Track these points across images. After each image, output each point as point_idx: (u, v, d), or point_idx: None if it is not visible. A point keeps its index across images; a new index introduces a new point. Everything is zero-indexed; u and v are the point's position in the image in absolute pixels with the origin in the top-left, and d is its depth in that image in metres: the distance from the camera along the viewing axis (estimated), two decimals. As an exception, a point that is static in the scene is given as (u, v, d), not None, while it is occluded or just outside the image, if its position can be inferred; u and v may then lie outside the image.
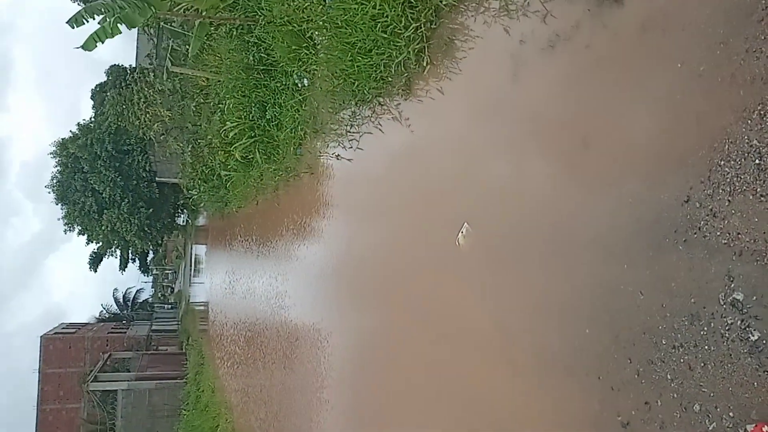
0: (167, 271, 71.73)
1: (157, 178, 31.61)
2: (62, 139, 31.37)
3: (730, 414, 2.41)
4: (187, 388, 28.05)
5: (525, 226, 4.08)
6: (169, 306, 58.05)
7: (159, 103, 23.53)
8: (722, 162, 2.52)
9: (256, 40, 11.03)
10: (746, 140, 2.42)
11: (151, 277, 64.96)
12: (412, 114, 5.86)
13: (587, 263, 3.39)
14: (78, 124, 31.50)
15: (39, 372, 41.11)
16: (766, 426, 2.24)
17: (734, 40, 2.50)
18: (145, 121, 24.84)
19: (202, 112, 19.50)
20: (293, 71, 9.62)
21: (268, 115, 11.25)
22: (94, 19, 9.65)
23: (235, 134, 12.56)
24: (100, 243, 34.43)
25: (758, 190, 2.36)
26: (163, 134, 25.47)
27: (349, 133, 7.42)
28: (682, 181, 2.73)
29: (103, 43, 9.35)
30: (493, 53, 4.57)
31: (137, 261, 44.77)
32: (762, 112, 2.36)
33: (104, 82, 31.51)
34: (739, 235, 2.42)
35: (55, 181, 31.72)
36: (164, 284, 71.98)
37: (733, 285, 2.44)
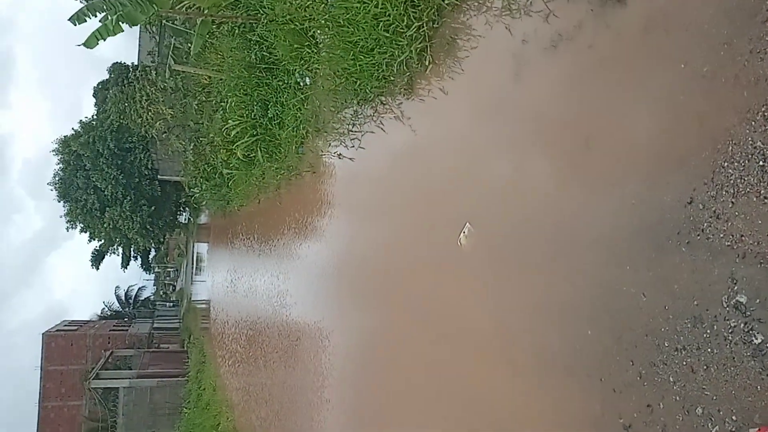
0: (169, 269, 71.80)
1: (159, 176, 31.61)
2: (64, 136, 31.40)
3: (733, 417, 2.40)
4: (188, 386, 28.06)
5: (527, 227, 4.06)
6: (171, 304, 58.09)
7: (161, 101, 23.52)
8: (725, 164, 2.50)
9: (259, 39, 11.02)
10: (750, 142, 2.40)
11: (153, 275, 65.02)
12: (414, 113, 5.84)
13: (589, 264, 3.38)
14: (80, 122, 31.55)
15: (41, 369, 41.21)
16: None
17: (738, 41, 2.48)
18: (147, 119, 24.83)
19: (205, 111, 19.49)
20: (295, 70, 9.60)
21: (270, 113, 11.24)
22: (96, 16, 9.64)
23: (237, 133, 12.54)
24: (102, 240, 34.48)
25: (762, 192, 2.34)
26: (166, 132, 25.47)
27: (351, 132, 7.41)
28: (685, 183, 2.71)
29: (104, 40, 9.35)
30: (496, 53, 4.55)
31: (139, 259, 44.83)
32: (766, 114, 2.34)
33: (107, 79, 31.51)
34: (743, 238, 2.41)
35: (57, 179, 31.77)
36: (166, 282, 72.05)
37: (736, 287, 2.42)
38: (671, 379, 2.73)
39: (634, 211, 3.03)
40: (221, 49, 13.70)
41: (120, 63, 30.84)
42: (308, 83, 9.38)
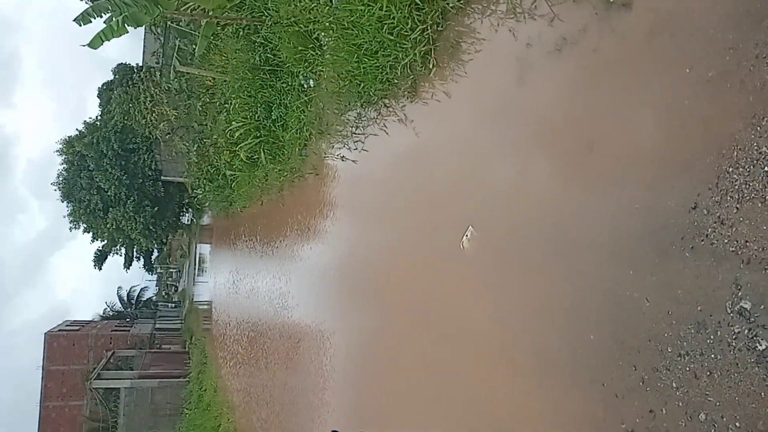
0: (171, 270, 71.90)
1: (162, 177, 31.68)
2: (69, 137, 31.53)
3: (737, 424, 2.38)
4: (189, 387, 28.07)
5: (529, 230, 4.05)
6: (173, 305, 58.14)
7: (165, 103, 23.59)
8: (730, 169, 2.49)
9: (263, 41, 11.04)
10: (755, 147, 2.39)
11: (156, 276, 65.11)
12: (418, 116, 5.84)
13: (592, 268, 3.37)
14: (84, 122, 31.67)
15: (42, 369, 41.25)
16: None
17: (744, 46, 2.47)
18: (151, 120, 24.91)
19: (208, 112, 19.53)
20: (299, 72, 9.61)
21: (273, 115, 11.26)
22: (101, 17, 9.68)
23: (241, 134, 12.57)
24: (105, 241, 34.56)
25: (767, 197, 2.33)
26: (169, 133, 25.54)
27: (354, 135, 7.41)
28: (690, 188, 2.70)
29: (109, 41, 9.37)
30: (500, 56, 4.55)
31: (142, 259, 44.96)
32: (772, 119, 2.33)
33: (111, 80, 31.62)
34: (747, 243, 2.40)
35: (61, 179, 31.86)
36: (168, 283, 72.14)
37: (740, 293, 2.41)
38: (674, 384, 2.71)
39: (638, 216, 3.02)
40: (225, 50, 13.74)
41: (125, 64, 30.96)
42: (312, 85, 9.40)
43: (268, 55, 11.01)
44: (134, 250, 39.16)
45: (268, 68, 11.18)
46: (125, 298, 55.18)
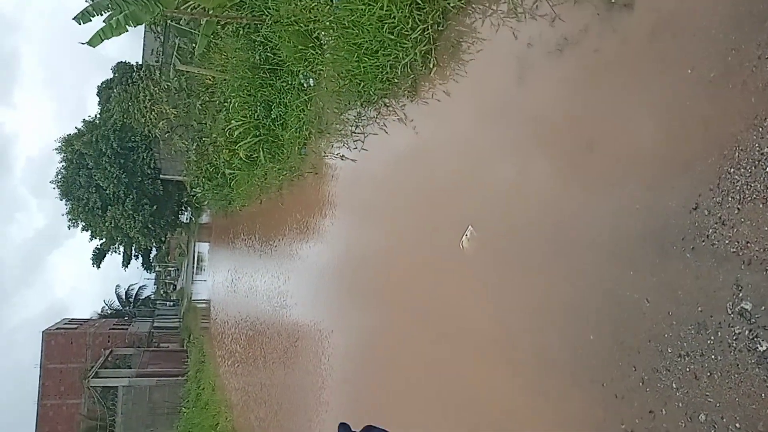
0: (170, 269, 71.82)
1: (161, 176, 31.66)
2: (68, 135, 31.50)
3: (737, 425, 2.38)
4: (187, 385, 28.06)
5: (529, 230, 4.05)
6: (171, 303, 58.11)
7: (165, 101, 23.57)
8: (732, 170, 2.49)
9: (263, 40, 11.03)
10: (757, 148, 2.39)
11: (154, 274, 65.06)
12: (418, 116, 5.84)
13: (592, 269, 3.36)
14: (84, 121, 31.64)
15: (40, 367, 41.22)
16: None
17: (746, 47, 2.47)
18: (150, 119, 24.89)
19: (208, 111, 19.52)
20: (299, 71, 9.61)
21: (273, 114, 11.25)
22: (101, 15, 9.67)
23: (240, 133, 12.56)
24: (104, 239, 34.56)
25: (768, 198, 2.33)
26: (169, 132, 25.51)
27: (354, 134, 7.40)
28: (691, 188, 2.70)
29: (108, 39, 9.35)
30: (500, 56, 4.54)
31: (140, 258, 44.92)
32: (773, 120, 2.33)
33: (110, 78, 31.60)
34: (749, 244, 2.39)
35: (59, 177, 31.84)
36: (167, 281, 72.06)
37: (741, 294, 2.41)
38: (674, 385, 2.71)
39: (638, 216, 3.02)
40: (225, 49, 13.73)
41: (124, 62, 30.95)
42: (312, 84, 9.39)
43: (268, 54, 11.00)
44: (133, 248, 39.13)
45: (268, 67, 11.18)
46: (123, 297, 55.11)
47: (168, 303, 58.45)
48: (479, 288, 4.66)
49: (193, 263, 44.84)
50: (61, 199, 32.19)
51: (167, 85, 23.14)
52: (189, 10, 11.59)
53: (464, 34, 4.99)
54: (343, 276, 8.22)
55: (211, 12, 11.55)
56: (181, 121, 23.88)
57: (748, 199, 2.41)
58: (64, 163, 31.58)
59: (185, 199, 34.65)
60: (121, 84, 28.39)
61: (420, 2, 5.37)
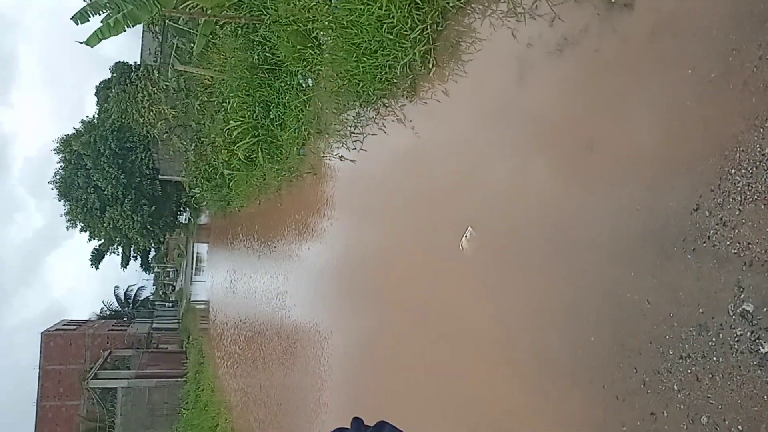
0: (169, 269, 71.78)
1: (160, 176, 31.63)
2: (66, 135, 31.46)
3: (739, 427, 2.37)
4: (186, 386, 28.04)
5: (529, 231, 4.04)
6: (170, 304, 58.07)
7: (163, 101, 23.53)
8: (733, 170, 2.48)
9: (261, 39, 11.01)
10: (758, 149, 2.37)
11: (153, 275, 65.04)
12: (417, 116, 5.82)
13: (593, 270, 3.35)
14: (82, 121, 31.59)
15: (39, 368, 41.18)
16: None
17: (747, 47, 2.45)
18: (149, 119, 24.84)
19: (206, 111, 19.48)
20: (298, 71, 9.59)
21: (271, 114, 11.23)
22: (99, 15, 9.64)
23: (239, 133, 12.53)
24: (102, 240, 34.52)
25: (770, 199, 2.31)
26: (167, 132, 25.46)
27: (352, 134, 7.39)
28: (691, 189, 2.68)
29: (106, 39, 9.33)
30: (500, 56, 4.53)
31: (139, 258, 44.87)
32: (775, 121, 2.32)
33: (109, 79, 31.59)
34: (750, 245, 2.38)
35: (58, 178, 31.81)
36: (165, 282, 72.02)
37: (743, 296, 2.40)
38: (675, 387, 2.70)
39: (639, 218, 3.01)
40: (224, 49, 13.70)
41: (123, 62, 30.92)
42: (310, 85, 9.37)
43: (267, 54, 10.98)
44: (131, 249, 39.10)
45: (266, 67, 11.15)
46: (122, 298, 55.08)
47: (167, 304, 58.41)
48: (479, 288, 4.64)
49: (192, 264, 44.80)
50: (60, 200, 32.20)
51: (165, 85, 23.10)
52: (187, 9, 11.57)
53: (463, 34, 4.98)
54: (342, 276, 8.21)
55: (209, 12, 11.53)
56: (180, 121, 23.84)
57: (750, 200, 2.40)
58: (62, 164, 31.56)
59: (184, 200, 34.60)
60: (120, 84, 28.37)
61: (419, 2, 5.35)
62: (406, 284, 6.01)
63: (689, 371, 2.63)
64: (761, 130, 2.36)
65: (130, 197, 30.58)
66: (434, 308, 5.32)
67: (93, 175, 29.84)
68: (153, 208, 31.68)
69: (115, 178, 29.65)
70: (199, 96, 20.17)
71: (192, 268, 44.70)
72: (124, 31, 9.38)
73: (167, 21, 16.85)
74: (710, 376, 2.52)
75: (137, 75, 26.68)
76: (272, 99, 11.17)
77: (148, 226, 32.18)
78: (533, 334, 3.89)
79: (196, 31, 13.48)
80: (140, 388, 31.31)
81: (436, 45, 5.34)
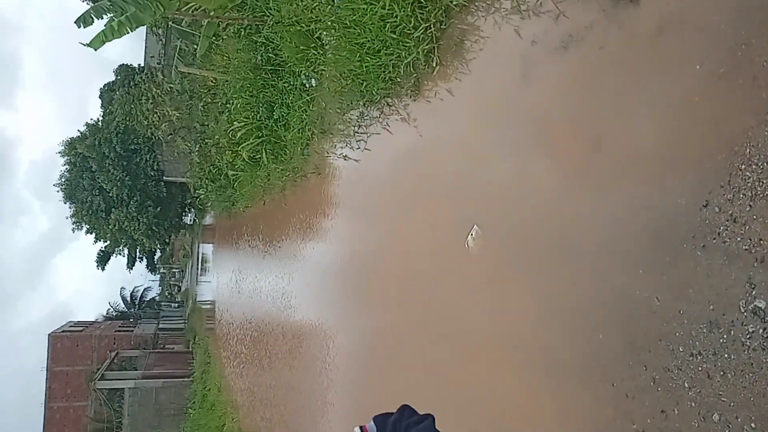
0: (174, 270, 71.98)
1: (164, 178, 31.68)
2: (70, 138, 31.53)
3: (752, 425, 2.35)
4: (193, 386, 28.09)
5: (535, 229, 4.02)
6: (176, 305, 58.21)
7: (167, 103, 23.56)
8: (743, 166, 2.46)
9: (264, 40, 11.01)
10: (768, 144, 2.35)
11: (159, 276, 65.17)
12: (421, 115, 5.81)
13: (601, 268, 3.33)
14: (86, 124, 31.65)
15: (46, 370, 41.35)
16: None
17: (757, 42, 2.43)
18: (153, 121, 24.89)
19: (210, 112, 19.51)
20: (301, 71, 9.58)
21: (275, 115, 11.22)
22: (102, 19, 9.67)
23: (243, 134, 12.54)
24: (108, 242, 34.57)
25: (781, 195, 2.29)
26: (171, 134, 25.51)
27: (356, 134, 7.38)
28: (701, 186, 2.66)
29: (110, 41, 9.35)
30: (504, 54, 4.51)
31: (145, 260, 44.94)
32: (785, 115, 2.29)
33: (113, 81, 31.65)
34: (761, 241, 2.36)
35: (63, 180, 31.88)
36: (171, 283, 72.22)
37: (754, 292, 2.38)
38: (686, 384, 2.68)
39: (648, 214, 2.99)
40: (227, 50, 13.72)
41: (126, 65, 30.98)
42: (314, 85, 9.36)
43: (270, 54, 10.98)
44: (137, 250, 39.18)
45: (269, 68, 11.15)
46: (128, 299, 55.24)
47: (173, 304, 58.57)
48: (481, 287, 4.63)
49: (198, 264, 44.87)
50: (65, 202, 32.26)
51: (169, 87, 23.14)
52: (190, 11, 11.58)
53: (467, 32, 4.96)
54: (346, 276, 8.20)
55: (212, 13, 11.54)
56: (184, 123, 23.87)
57: (760, 195, 2.37)
58: (67, 166, 31.64)
59: (189, 201, 34.64)
60: (124, 86, 28.43)
61: (422, 1, 5.34)
62: (407, 284, 6.00)
63: (700, 368, 2.61)
64: (771, 125, 2.34)
65: (135, 199, 30.64)
66: (435, 308, 5.31)
67: (98, 177, 29.91)
68: (158, 209, 31.73)
69: (120, 180, 29.71)
70: (203, 97, 20.20)
71: (197, 268, 44.77)
72: (128, 33, 9.40)
73: (170, 23, 16.89)
74: (722, 373, 2.50)
75: (141, 77, 26.73)
76: (276, 100, 11.17)
77: (154, 228, 32.23)
78: (539, 333, 3.87)
79: (199, 32, 13.50)
80: (147, 388, 31.40)
81: (439, 44, 5.32)
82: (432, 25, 5.30)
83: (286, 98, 10.68)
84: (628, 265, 3.10)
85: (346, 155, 7.81)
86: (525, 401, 3.99)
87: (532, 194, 4.10)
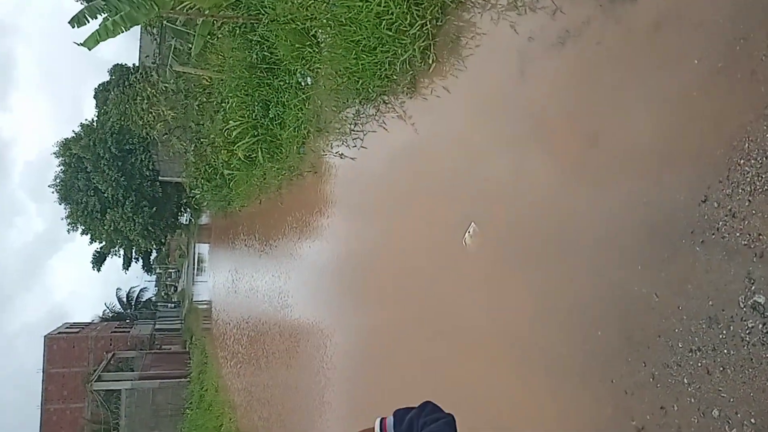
0: (170, 270, 71.82)
1: (160, 178, 31.60)
2: (65, 139, 31.42)
3: (752, 420, 2.34)
4: (190, 387, 28.04)
5: (533, 226, 4.01)
6: (173, 305, 58.08)
7: (162, 103, 23.48)
8: (742, 161, 2.44)
9: (259, 39, 10.97)
10: (767, 138, 2.34)
11: (155, 276, 65.03)
12: (417, 112, 5.79)
13: (599, 264, 3.32)
14: (81, 125, 31.53)
15: (43, 372, 41.22)
16: None
17: (756, 35, 2.42)
18: (148, 121, 24.79)
19: (205, 112, 19.44)
20: (297, 70, 9.55)
21: (271, 113, 11.19)
22: (96, 19, 9.61)
23: (238, 133, 12.50)
24: (104, 242, 34.48)
25: (780, 189, 2.28)
26: (167, 134, 25.43)
27: (353, 132, 7.36)
28: (699, 181, 2.65)
29: (104, 41, 9.29)
30: (501, 50, 4.50)
31: (140, 260, 44.85)
32: (783, 110, 2.28)
33: (107, 81, 31.54)
34: (761, 236, 2.35)
35: (58, 181, 31.78)
36: (167, 283, 72.06)
37: (753, 287, 2.37)
38: (686, 380, 2.67)
39: (646, 210, 2.98)
40: (222, 49, 13.66)
41: (121, 65, 30.88)
42: (310, 83, 9.33)
43: (265, 53, 10.94)
44: (133, 251, 39.07)
45: (265, 66, 11.11)
46: (124, 300, 55.12)
47: (169, 305, 58.43)
48: (477, 285, 4.62)
49: (194, 264, 44.78)
50: (60, 203, 32.16)
51: (164, 86, 23.06)
52: (185, 10, 11.52)
53: (463, 29, 4.94)
54: (342, 274, 8.19)
55: (206, 12, 11.49)
56: (179, 122, 23.79)
57: (759, 190, 2.36)
58: (62, 167, 31.52)
59: (184, 201, 34.54)
60: (119, 86, 28.31)
61: (418, -2, 5.32)
62: (403, 281, 5.99)
63: (699, 364, 2.60)
64: (770, 119, 2.33)
65: (130, 199, 30.54)
66: (431, 305, 5.30)
67: (93, 178, 29.81)
68: (154, 209, 31.65)
69: (116, 181, 29.61)
70: (198, 97, 20.13)
71: (193, 268, 44.69)
72: (122, 32, 9.34)
73: (165, 22, 16.82)
74: (721, 368, 2.49)
75: (136, 77, 26.63)
76: (271, 98, 11.14)
77: (149, 228, 32.15)
78: (537, 330, 3.86)
79: (194, 31, 13.45)
80: (144, 389, 31.35)
81: (435, 40, 5.31)
82: (428, 22, 5.28)
83: (281, 97, 10.65)
84: (626, 261, 3.09)
85: (342, 153, 7.79)
86: (523, 398, 3.98)
87: (529, 190, 4.08)
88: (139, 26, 17.08)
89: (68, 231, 33.19)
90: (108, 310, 54.05)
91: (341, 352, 7.84)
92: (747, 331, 2.38)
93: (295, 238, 10.55)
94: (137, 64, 29.31)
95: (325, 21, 7.64)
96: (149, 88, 24.13)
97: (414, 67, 5.62)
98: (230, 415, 16.51)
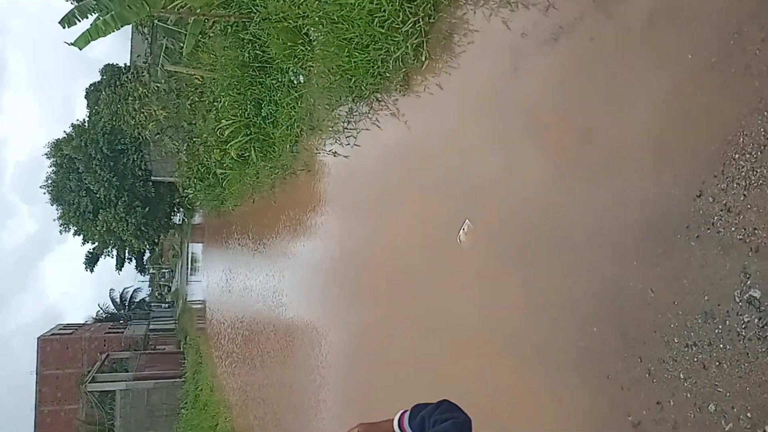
0: (164, 270, 71.63)
1: (152, 178, 31.44)
2: (56, 139, 31.23)
3: (748, 414, 2.34)
4: (185, 387, 27.97)
5: (528, 222, 4.00)
6: (167, 305, 57.92)
7: (154, 103, 23.35)
8: (736, 155, 2.44)
9: (251, 37, 10.92)
10: (762, 132, 2.34)
11: (148, 277, 64.81)
12: (410, 110, 5.78)
13: (594, 260, 3.32)
14: (72, 125, 31.33)
15: (36, 373, 41.01)
16: None
17: (749, 30, 2.42)
18: (140, 121, 24.65)
19: (197, 111, 19.35)
20: (289, 68, 9.51)
21: (263, 112, 11.15)
22: (87, 18, 9.54)
23: (231, 132, 12.44)
24: (96, 243, 34.32)
25: (775, 183, 2.28)
26: (159, 133, 25.28)
27: (346, 130, 7.33)
28: (694, 176, 2.65)
29: (95, 41, 9.22)
30: (494, 47, 4.49)
31: (134, 260, 44.69)
32: (777, 104, 2.28)
33: (99, 81, 31.37)
34: (756, 231, 2.35)
35: (49, 182, 31.58)
36: (161, 283, 71.87)
37: (749, 282, 2.37)
38: (682, 375, 2.67)
39: (641, 206, 2.97)
40: (214, 48, 13.58)
41: (112, 64, 30.71)
42: (302, 81, 9.30)
43: (257, 51, 10.89)
44: (126, 251, 38.93)
45: (257, 65, 11.07)
46: (118, 300, 54.91)
47: (163, 305, 58.29)
48: (471, 282, 4.61)
49: (187, 264, 44.65)
50: (52, 204, 31.96)
51: (156, 86, 22.93)
52: (176, 9, 11.45)
53: (456, 26, 4.93)
54: (336, 272, 8.17)
55: (198, 11, 11.43)
56: (171, 122, 23.66)
57: (754, 184, 2.36)
58: (54, 168, 31.33)
59: (177, 201, 34.40)
60: (110, 86, 28.15)
61: (410, -5, 5.30)
62: (397, 279, 5.98)
63: (695, 359, 2.60)
64: (765, 113, 2.33)
65: (123, 199, 30.39)
66: (425, 303, 5.29)
67: (85, 179, 29.64)
68: (146, 209, 31.50)
69: (108, 181, 29.45)
70: (190, 96, 20.03)
71: (187, 268, 44.56)
72: (113, 32, 9.27)
73: (156, 21, 16.72)
74: (717, 363, 2.49)
75: (127, 77, 26.49)
76: (264, 97, 11.09)
77: (142, 228, 31.99)
78: (530, 326, 3.86)
79: (186, 30, 13.37)
80: (139, 389, 31.23)
81: (428, 38, 5.29)
82: (421, 19, 5.26)
83: (274, 95, 10.61)
84: (620, 257, 3.09)
85: (335, 151, 7.77)
86: (517, 395, 3.98)
87: (523, 187, 4.08)
88: (130, 25, 16.96)
89: (60, 232, 33.02)
90: (101, 311, 53.83)
91: (336, 350, 7.83)
92: (743, 326, 2.38)
93: (289, 237, 10.52)
94: (128, 64, 29.17)
95: (317, 19, 7.61)
96: (141, 88, 23.99)
97: (407, 65, 5.61)
98: (225, 415, 16.47)
